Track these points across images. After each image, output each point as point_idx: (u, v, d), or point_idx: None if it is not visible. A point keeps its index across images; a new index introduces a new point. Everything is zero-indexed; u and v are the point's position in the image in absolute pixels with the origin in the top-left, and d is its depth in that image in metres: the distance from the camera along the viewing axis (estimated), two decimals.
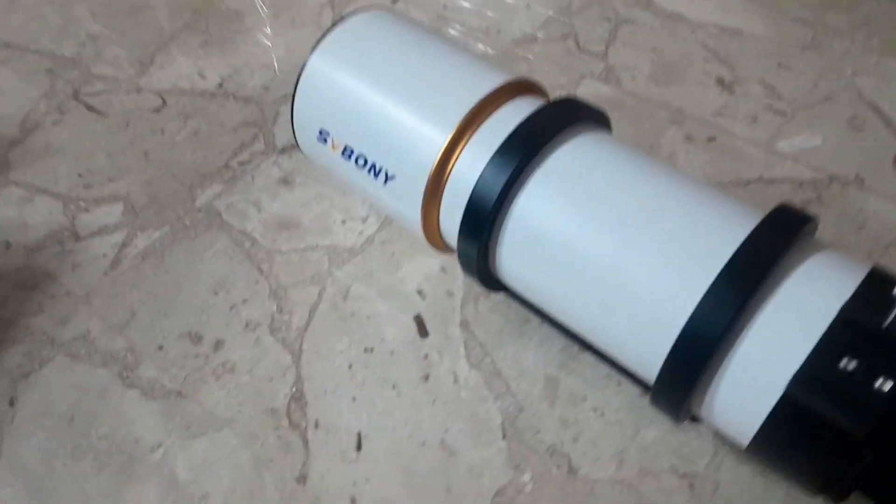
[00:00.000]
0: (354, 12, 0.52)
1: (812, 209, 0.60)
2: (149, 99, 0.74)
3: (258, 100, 0.73)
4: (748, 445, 0.37)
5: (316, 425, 0.49)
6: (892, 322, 0.33)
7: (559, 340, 0.52)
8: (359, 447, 0.48)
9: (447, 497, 0.45)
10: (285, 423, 0.49)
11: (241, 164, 0.66)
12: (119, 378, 0.52)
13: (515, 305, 0.54)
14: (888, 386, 0.32)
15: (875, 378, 0.33)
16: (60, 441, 0.49)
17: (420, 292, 0.55)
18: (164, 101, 0.73)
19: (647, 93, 0.70)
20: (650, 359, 0.39)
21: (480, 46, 0.77)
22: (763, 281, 0.36)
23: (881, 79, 0.69)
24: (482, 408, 0.49)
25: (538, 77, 0.70)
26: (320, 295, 0.56)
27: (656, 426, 0.47)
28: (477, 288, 0.55)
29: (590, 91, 0.71)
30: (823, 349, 0.34)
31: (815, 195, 0.60)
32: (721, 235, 0.38)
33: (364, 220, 0.61)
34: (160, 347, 0.53)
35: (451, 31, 0.79)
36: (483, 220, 0.44)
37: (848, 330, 0.34)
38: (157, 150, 0.68)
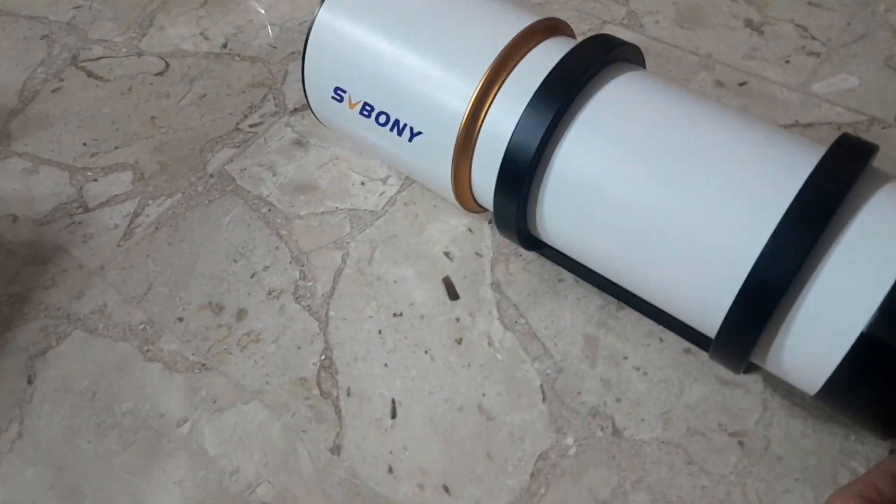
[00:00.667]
0: None
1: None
2: (151, 62, 0.71)
3: (265, 59, 0.70)
4: (820, 390, 0.36)
5: (348, 393, 0.47)
6: None
7: (596, 298, 0.50)
8: (393, 414, 0.46)
9: (488, 463, 0.43)
10: (316, 392, 0.47)
11: (252, 126, 0.64)
12: (140, 352, 0.50)
13: (548, 264, 0.52)
14: None
15: None
16: (83, 418, 0.47)
17: (447, 254, 0.53)
18: (167, 64, 0.70)
19: (672, 37, 0.67)
20: (712, 308, 0.37)
21: None
22: (833, 217, 0.34)
23: None
24: (519, 370, 0.47)
25: None
26: (344, 259, 0.53)
27: (701, 383, 0.45)
28: (506, 248, 0.53)
29: None
30: None
31: None
32: (784, 172, 0.36)
33: (385, 181, 0.58)
34: (180, 319, 0.51)
35: None
36: (522, 173, 0.41)
37: None
38: (164, 115, 0.65)
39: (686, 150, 0.38)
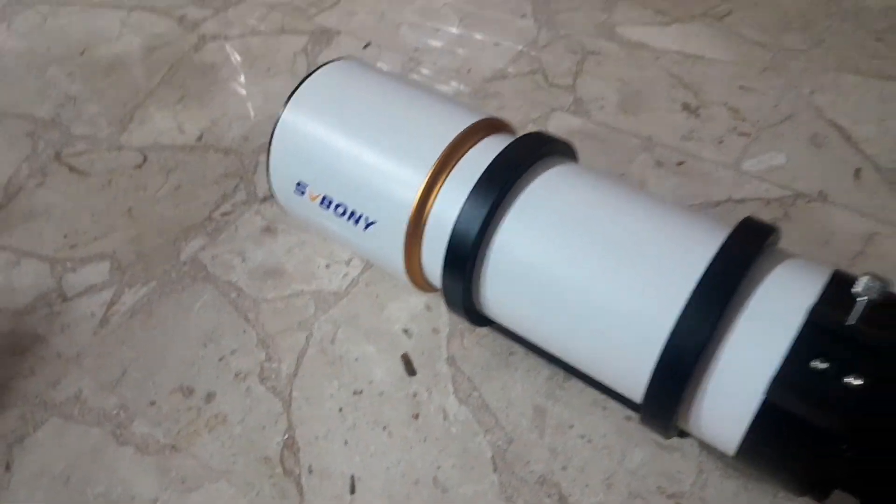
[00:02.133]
0: (323, 65, 0.54)
1: (782, 226, 0.62)
2: (130, 156, 0.75)
3: (238, 150, 0.74)
4: (736, 453, 0.39)
5: (310, 471, 0.49)
6: (855, 320, 0.35)
7: (545, 370, 0.53)
8: (353, 490, 0.48)
9: None
10: (279, 470, 0.50)
11: (224, 214, 0.68)
12: (113, 436, 0.52)
13: (500, 338, 0.55)
14: (858, 382, 0.34)
15: (845, 375, 0.34)
16: (58, 502, 0.49)
17: (406, 331, 0.57)
18: (145, 158, 0.75)
19: (616, 122, 0.73)
20: (636, 378, 0.40)
21: (454, 84, 0.79)
22: (735, 292, 0.37)
23: (838, 95, 0.71)
24: (472, 442, 0.50)
25: (511, 112, 0.73)
26: (308, 340, 0.57)
27: (642, 448, 0.48)
28: (462, 323, 0.57)
29: (561, 123, 0.73)
30: (795, 352, 0.35)
31: (783, 212, 0.62)
32: (692, 252, 0.40)
33: (348, 263, 0.62)
34: (152, 403, 0.54)
35: (424, 72, 0.81)
36: (465, 256, 0.45)
37: (816, 332, 0.35)
38: (141, 206, 0.70)
39: (606, 236, 0.43)
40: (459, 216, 0.46)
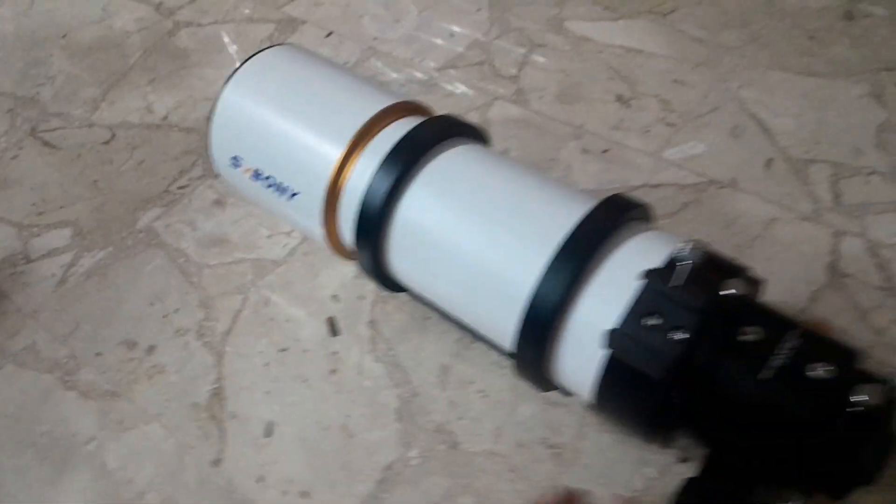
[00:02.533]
0: (262, 49, 0.59)
1: (691, 209, 0.66)
2: (99, 133, 0.81)
3: (199, 129, 0.80)
4: (594, 404, 0.44)
5: (232, 416, 0.55)
6: (682, 281, 0.39)
7: (455, 333, 0.58)
8: (269, 434, 0.54)
9: (343, 473, 0.51)
10: (205, 415, 0.55)
11: (181, 188, 0.73)
12: (61, 382, 0.58)
13: (418, 305, 0.60)
14: (681, 336, 0.38)
15: (672, 331, 0.39)
16: (6, 438, 0.55)
17: (335, 297, 0.62)
18: (113, 135, 0.80)
19: (552, 111, 0.77)
20: (510, 333, 0.45)
21: (407, 72, 0.84)
22: (592, 256, 0.42)
23: (763, 90, 0.76)
24: (381, 395, 0.55)
25: (456, 99, 0.78)
26: (243, 303, 0.62)
27: (532, 404, 0.53)
28: (385, 291, 0.62)
29: (501, 112, 0.78)
30: (632, 311, 0.40)
31: (694, 197, 0.67)
32: (559, 221, 0.44)
33: (289, 234, 0.67)
34: (99, 354, 0.60)
35: (377, 63, 0.86)
36: (373, 224, 0.50)
37: (649, 293, 0.40)
38: (106, 178, 0.75)
39: (491, 207, 0.48)
40: (369, 187, 0.51)
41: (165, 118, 0.81)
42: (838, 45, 0.78)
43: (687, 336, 0.39)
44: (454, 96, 0.80)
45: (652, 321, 0.40)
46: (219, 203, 0.71)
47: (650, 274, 0.40)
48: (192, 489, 0.51)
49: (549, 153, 0.72)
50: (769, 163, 0.69)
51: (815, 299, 0.58)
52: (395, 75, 0.84)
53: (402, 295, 0.61)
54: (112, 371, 0.58)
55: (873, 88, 0.72)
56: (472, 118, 0.69)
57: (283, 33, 0.91)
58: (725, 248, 0.62)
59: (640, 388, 0.41)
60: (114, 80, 0.87)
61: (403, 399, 0.55)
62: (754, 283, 0.42)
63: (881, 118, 0.69)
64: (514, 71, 0.82)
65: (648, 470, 0.49)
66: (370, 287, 0.62)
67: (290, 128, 0.55)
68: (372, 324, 0.60)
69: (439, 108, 0.56)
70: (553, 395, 0.54)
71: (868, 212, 0.64)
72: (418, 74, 0.84)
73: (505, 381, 0.55)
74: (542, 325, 0.43)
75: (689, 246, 0.39)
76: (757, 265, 0.62)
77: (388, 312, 0.60)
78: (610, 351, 0.41)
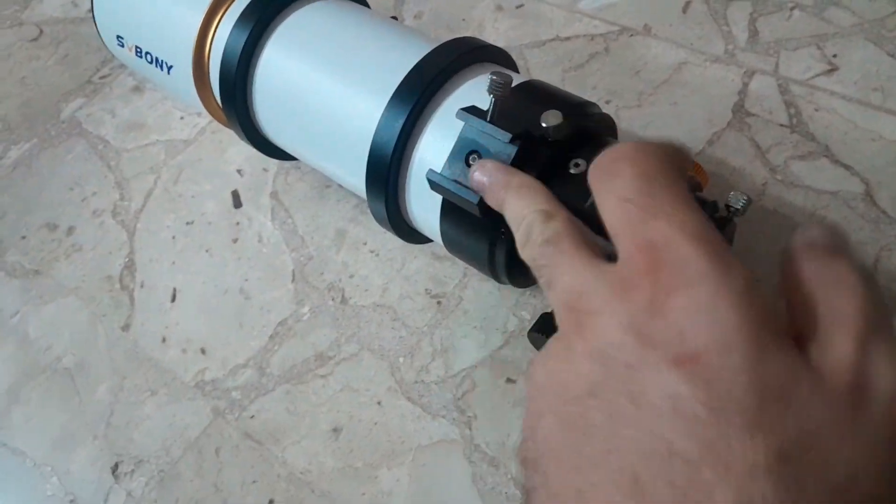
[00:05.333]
0: None
1: (599, 59, 0.65)
2: (28, 31, 0.81)
3: None
4: (445, 247, 0.45)
5: (141, 286, 0.58)
6: (494, 116, 0.39)
7: (353, 199, 0.59)
8: (173, 299, 0.57)
9: (239, 331, 0.54)
10: (118, 286, 0.58)
11: (102, 78, 0.74)
12: None
13: (320, 175, 0.61)
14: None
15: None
16: None
17: (239, 171, 0.63)
18: (41, 31, 0.81)
19: None
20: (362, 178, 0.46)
21: None
22: (427, 98, 0.42)
23: None
24: (278, 259, 0.57)
25: None
26: (155, 182, 0.64)
27: (419, 259, 0.55)
28: (287, 163, 0.63)
29: None
30: (454, 150, 0.40)
31: (604, 46, 0.65)
32: (399, 65, 0.44)
33: (200, 115, 0.68)
34: (23, 237, 0.63)
35: None
36: (233, 84, 0.51)
37: (468, 130, 0.40)
38: (33, 75, 0.76)
39: (340, 55, 0.48)
40: (224, 51, 0.51)
41: (90, 11, 0.81)
42: None
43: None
44: None
45: (472, 158, 0.40)
46: (137, 89, 0.72)
47: (466, 111, 0.40)
48: (103, 352, 0.55)
49: (463, 12, 0.70)
50: (687, 6, 0.66)
51: (714, 141, 0.57)
52: None
53: (303, 165, 0.62)
54: (35, 252, 0.62)
55: None
56: None
57: None
58: (630, 95, 0.62)
59: (471, 227, 0.41)
60: None
61: (299, 262, 0.57)
62: (587, 115, 0.42)
63: None
64: None
65: (524, 313, 0.51)
66: (274, 160, 0.63)
67: (158, 2, 0.55)
68: (273, 194, 0.61)
69: None
70: (440, 249, 0.55)
71: (783, 48, 0.62)
72: None
73: (397, 241, 0.56)
74: (382, 170, 0.43)
75: (493, 78, 0.38)
76: (661, 110, 0.61)
77: (290, 183, 0.62)
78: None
